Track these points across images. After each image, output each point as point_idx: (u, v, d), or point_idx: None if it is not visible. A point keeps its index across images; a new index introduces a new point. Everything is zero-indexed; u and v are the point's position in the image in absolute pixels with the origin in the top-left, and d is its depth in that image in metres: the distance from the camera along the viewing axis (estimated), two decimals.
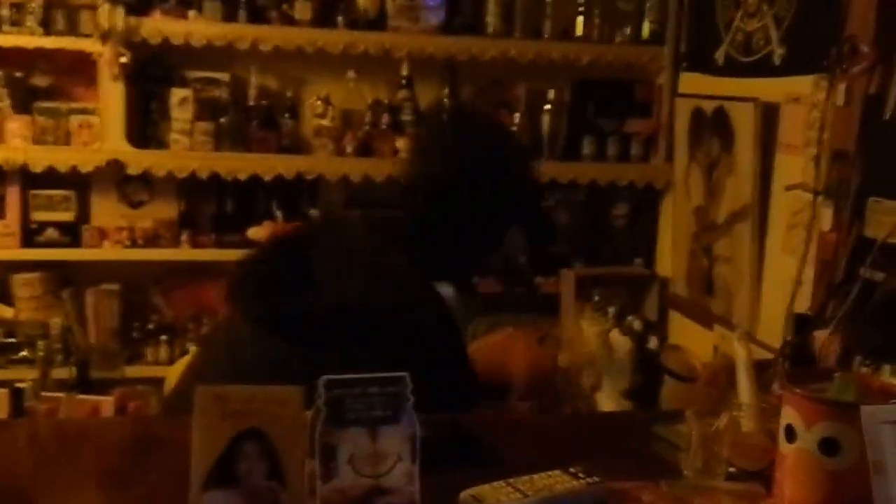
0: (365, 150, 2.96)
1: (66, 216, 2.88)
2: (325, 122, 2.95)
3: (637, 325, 2.28)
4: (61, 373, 2.76)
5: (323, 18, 2.89)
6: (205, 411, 0.97)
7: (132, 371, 2.90)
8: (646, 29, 3.06)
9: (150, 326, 2.98)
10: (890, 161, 2.00)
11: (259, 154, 2.89)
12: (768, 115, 2.46)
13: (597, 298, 2.48)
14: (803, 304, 2.24)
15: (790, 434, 1.09)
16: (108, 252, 2.88)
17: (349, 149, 2.95)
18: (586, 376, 2.32)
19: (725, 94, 2.69)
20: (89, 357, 2.79)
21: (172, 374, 2.74)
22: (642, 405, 2.24)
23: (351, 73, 2.97)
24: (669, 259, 3.09)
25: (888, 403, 1.06)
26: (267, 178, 2.89)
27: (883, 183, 2.02)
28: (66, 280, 2.95)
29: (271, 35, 2.82)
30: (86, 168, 2.78)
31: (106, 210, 2.95)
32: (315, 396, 1.00)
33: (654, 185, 3.14)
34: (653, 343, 2.26)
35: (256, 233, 2.94)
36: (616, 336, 2.30)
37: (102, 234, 2.89)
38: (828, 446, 1.05)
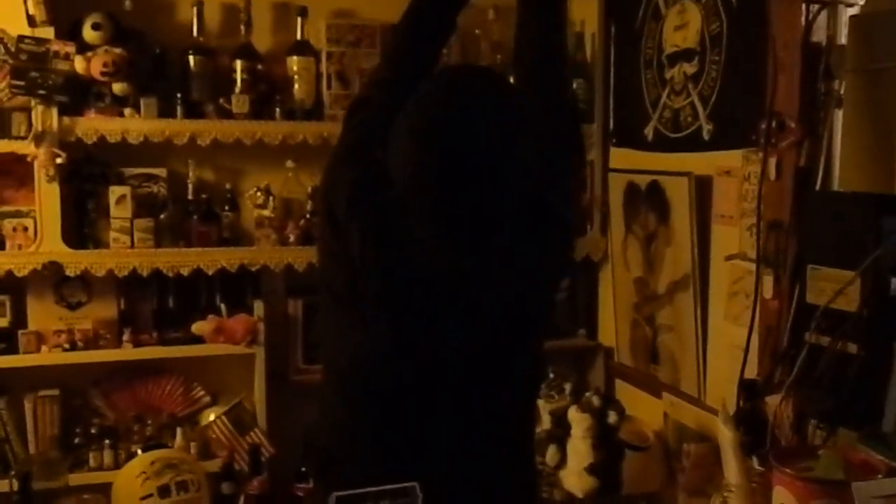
0: (307, 238, 2.96)
1: (1, 322, 2.79)
2: (266, 213, 2.94)
3: (595, 401, 2.31)
4: (1, 486, 2.65)
5: (260, 111, 2.91)
6: None
7: (76, 479, 2.77)
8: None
9: (93, 431, 2.88)
10: (824, 230, 2.10)
11: (201, 248, 2.87)
12: (702, 188, 2.56)
13: (552, 376, 2.52)
14: (751, 371, 2.31)
15: None
16: (47, 357, 2.79)
17: (292, 238, 2.95)
18: (550, 454, 2.35)
19: (657, 169, 2.79)
20: (30, 468, 2.68)
21: (120, 480, 2.66)
22: (605, 480, 2.27)
23: (290, 163, 2.98)
24: (612, 329, 3.15)
25: (874, 478, 1.11)
26: (210, 271, 2.86)
27: (819, 251, 2.11)
28: (1, 388, 2.84)
29: (209, 129, 2.83)
30: (22, 272, 2.71)
31: (43, 313, 2.86)
32: None
33: (591, 257, 3.21)
34: (612, 418, 2.30)
35: (200, 327, 2.90)
36: (575, 413, 2.33)
37: (40, 338, 2.81)
38: None
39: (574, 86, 3.06)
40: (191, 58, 2.86)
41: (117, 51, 2.74)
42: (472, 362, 1.56)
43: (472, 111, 1.45)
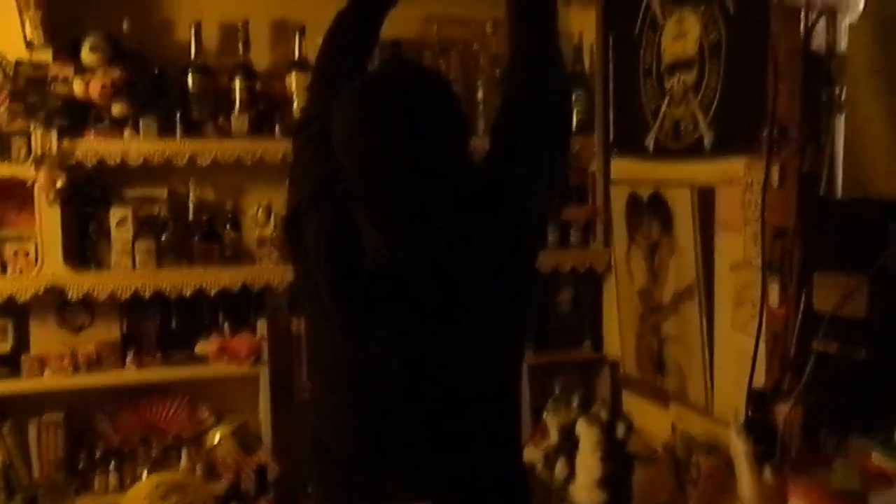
0: None
1: (3, 347, 2.79)
2: (267, 231, 2.94)
3: (604, 414, 2.29)
4: None
5: (259, 128, 2.91)
6: None
7: (82, 503, 2.77)
8: (574, 119, 3.16)
9: (98, 454, 2.87)
10: (830, 236, 2.09)
11: (203, 268, 2.86)
12: (705, 197, 2.55)
13: (558, 390, 2.50)
14: (758, 379, 2.29)
15: None
16: (51, 381, 2.78)
17: None
18: (558, 469, 2.33)
19: (658, 178, 2.78)
20: (36, 493, 2.66)
21: (126, 503, 2.64)
22: (615, 494, 2.25)
23: None
24: (617, 340, 3.13)
25: (891, 488, 1.10)
26: (212, 291, 2.85)
27: (825, 257, 2.10)
28: (4, 413, 2.82)
29: (209, 148, 2.82)
30: (23, 296, 2.69)
31: (46, 337, 2.86)
32: None
33: (595, 268, 3.20)
34: (620, 431, 2.28)
35: (204, 347, 2.89)
36: (583, 426, 2.31)
37: (43, 362, 2.79)
38: None
39: (573, 97, 3.06)
40: (189, 77, 2.86)
41: (116, 72, 2.73)
42: (447, 347, 1.55)
43: (393, 86, 1.52)
